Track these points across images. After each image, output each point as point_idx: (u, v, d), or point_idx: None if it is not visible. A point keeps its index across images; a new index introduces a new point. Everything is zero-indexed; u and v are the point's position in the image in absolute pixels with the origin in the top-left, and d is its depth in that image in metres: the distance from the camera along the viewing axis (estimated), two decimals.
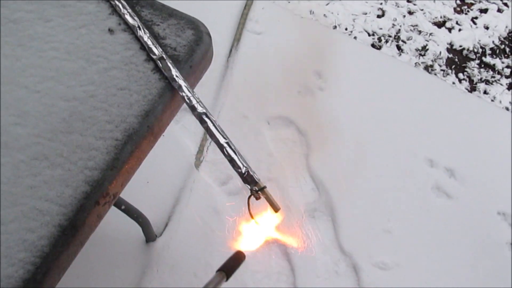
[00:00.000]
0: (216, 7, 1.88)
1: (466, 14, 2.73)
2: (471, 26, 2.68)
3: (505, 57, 2.59)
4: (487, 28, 2.67)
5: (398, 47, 2.54)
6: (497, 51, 2.60)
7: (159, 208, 1.47)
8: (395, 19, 2.65)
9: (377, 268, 1.47)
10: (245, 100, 1.68)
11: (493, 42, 2.61)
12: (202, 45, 0.84)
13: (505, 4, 2.75)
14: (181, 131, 1.60)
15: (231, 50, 1.79)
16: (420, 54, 2.52)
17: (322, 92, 1.75)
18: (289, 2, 2.41)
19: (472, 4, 2.79)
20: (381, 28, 2.61)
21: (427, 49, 2.54)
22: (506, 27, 2.65)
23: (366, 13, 2.66)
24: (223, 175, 1.58)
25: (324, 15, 2.59)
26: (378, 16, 2.66)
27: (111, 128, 0.75)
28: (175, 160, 1.54)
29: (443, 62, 2.52)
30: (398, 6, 2.72)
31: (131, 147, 0.75)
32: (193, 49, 0.83)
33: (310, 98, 1.74)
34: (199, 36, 0.84)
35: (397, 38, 2.58)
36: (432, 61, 2.50)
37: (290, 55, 1.83)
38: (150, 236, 1.42)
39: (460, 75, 2.46)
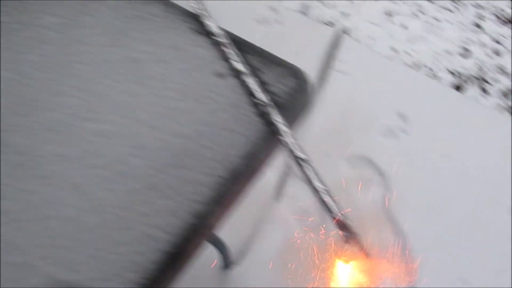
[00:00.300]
0: (301, 44, 1.94)
1: None
2: None
3: None
4: None
5: (483, 89, 2.49)
6: None
7: (237, 236, 1.53)
8: (480, 60, 2.61)
9: None
10: (327, 138, 1.71)
11: None
12: (305, 93, 0.90)
13: None
14: None
15: (315, 88, 1.84)
16: (506, 97, 2.46)
17: (405, 135, 1.76)
18: (373, 40, 2.44)
19: None
20: (465, 69, 2.58)
21: None
22: None
23: (450, 52, 2.64)
24: (302, 210, 1.61)
25: (406, 53, 2.59)
26: (462, 56, 2.63)
27: (217, 166, 0.82)
28: (255, 191, 1.60)
29: None
30: (483, 46, 2.67)
31: (234, 185, 0.82)
32: (295, 96, 0.89)
33: (392, 139, 1.75)
34: (301, 84, 0.90)
35: (482, 79, 2.53)
36: None
37: (373, 95, 1.85)
38: (227, 263, 1.48)
39: None
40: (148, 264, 0.75)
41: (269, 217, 1.59)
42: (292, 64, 0.92)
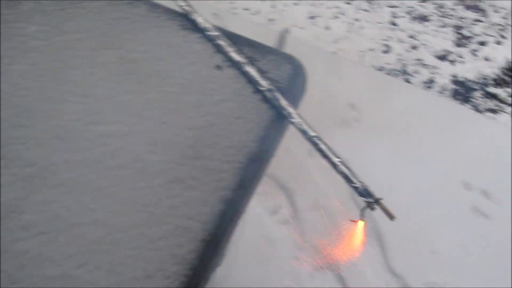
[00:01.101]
0: None
1: (466, 47, 2.90)
2: (472, 58, 2.85)
3: (506, 87, 2.74)
4: (487, 59, 2.84)
5: (406, 81, 2.68)
6: (499, 81, 2.76)
7: None
8: (400, 54, 2.81)
9: None
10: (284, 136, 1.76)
11: (494, 72, 2.77)
12: (300, 76, 0.93)
13: (503, 36, 2.93)
14: None
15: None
16: (428, 87, 2.66)
17: (358, 123, 1.86)
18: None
19: (470, 37, 2.96)
20: (388, 63, 2.76)
21: (433, 82, 2.69)
22: (506, 58, 2.81)
23: (372, 49, 2.81)
24: (272, 204, 1.65)
25: (333, 52, 2.73)
26: (384, 52, 2.81)
27: (234, 152, 0.83)
28: None
29: (449, 93, 2.66)
30: (401, 42, 2.88)
31: (253, 168, 0.83)
32: (293, 80, 0.92)
33: (347, 128, 1.84)
34: (296, 69, 0.93)
35: (404, 72, 2.72)
36: (439, 92, 2.64)
37: (322, 89, 1.93)
38: None
39: (467, 105, 2.60)
40: (189, 255, 0.74)
41: (242, 215, 1.60)
42: (285, 52, 0.96)
